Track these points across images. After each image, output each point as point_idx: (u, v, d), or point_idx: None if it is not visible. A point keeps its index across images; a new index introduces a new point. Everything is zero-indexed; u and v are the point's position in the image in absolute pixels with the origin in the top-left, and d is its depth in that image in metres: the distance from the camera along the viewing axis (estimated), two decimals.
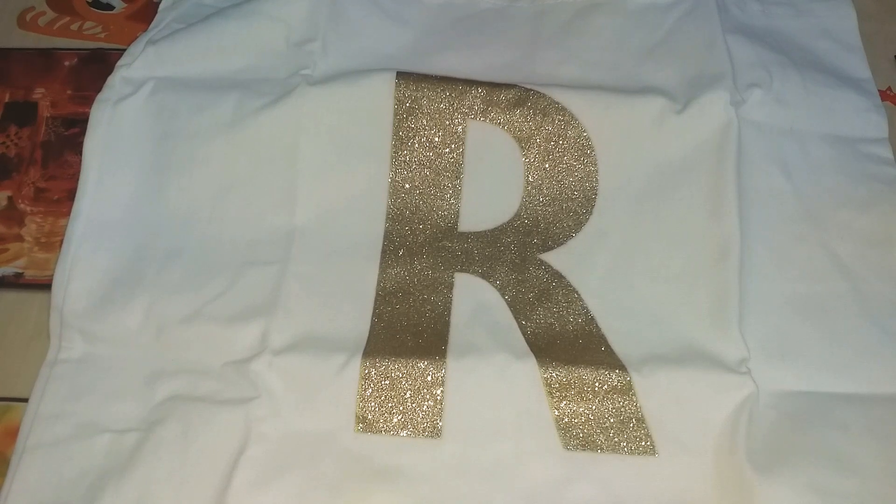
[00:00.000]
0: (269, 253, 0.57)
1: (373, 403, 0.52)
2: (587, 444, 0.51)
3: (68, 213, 0.58)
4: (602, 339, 0.54)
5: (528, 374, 0.52)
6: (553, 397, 0.52)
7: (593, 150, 0.60)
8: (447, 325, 0.55)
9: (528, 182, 0.60)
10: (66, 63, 0.68)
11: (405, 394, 0.52)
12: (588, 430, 0.51)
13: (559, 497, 0.50)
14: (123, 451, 0.51)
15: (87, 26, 0.70)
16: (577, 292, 0.56)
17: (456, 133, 0.61)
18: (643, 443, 0.51)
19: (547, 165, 0.60)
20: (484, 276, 0.57)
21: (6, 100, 0.66)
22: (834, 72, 0.64)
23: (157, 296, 0.55)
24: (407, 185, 0.60)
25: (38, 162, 0.63)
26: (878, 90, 0.64)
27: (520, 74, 0.63)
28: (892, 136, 0.62)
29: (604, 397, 0.52)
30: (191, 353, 0.54)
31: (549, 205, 0.59)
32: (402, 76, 0.61)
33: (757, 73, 0.62)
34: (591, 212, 0.59)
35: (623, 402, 0.52)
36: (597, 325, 0.55)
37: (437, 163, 0.60)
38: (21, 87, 0.67)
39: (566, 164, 0.60)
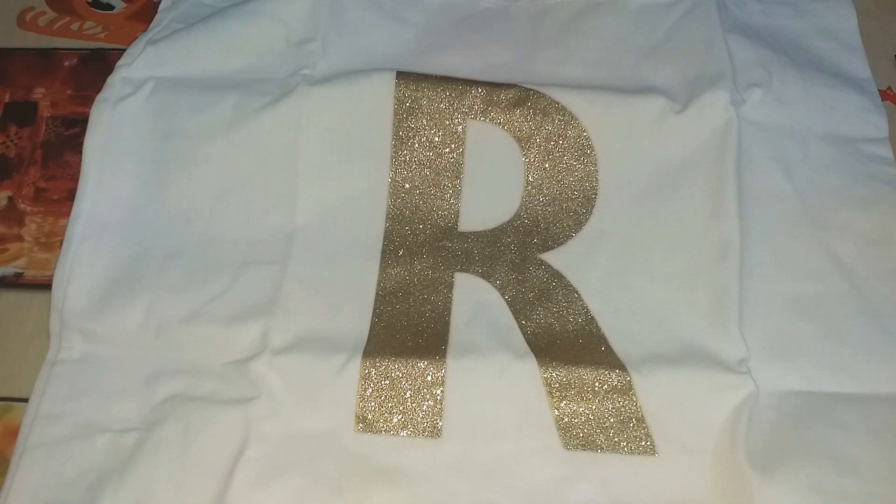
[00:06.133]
0: (269, 253, 0.57)
1: (373, 403, 0.52)
2: (587, 444, 0.51)
3: (68, 213, 0.58)
4: (602, 339, 0.54)
5: (528, 373, 0.52)
6: (553, 397, 0.52)
7: (593, 150, 0.60)
8: (447, 325, 0.55)
9: (528, 182, 0.60)
10: (66, 63, 0.68)
11: (405, 394, 0.52)
12: (588, 430, 0.51)
13: (559, 497, 0.50)
14: (123, 451, 0.51)
15: (87, 26, 0.70)
16: (577, 292, 0.56)
17: (456, 133, 0.61)
18: (643, 443, 0.51)
19: (547, 165, 0.60)
20: (484, 276, 0.57)
21: (6, 100, 0.66)
22: (834, 71, 0.64)
23: (157, 296, 0.55)
24: (407, 185, 0.60)
25: (38, 162, 0.63)
26: (878, 90, 0.64)
27: (520, 74, 0.63)
28: (892, 136, 0.62)
29: (604, 397, 0.52)
30: (191, 353, 0.54)
31: (549, 205, 0.59)
32: (402, 76, 0.61)
33: (757, 73, 0.62)
34: (591, 212, 0.59)
35: (623, 402, 0.52)
36: (597, 325, 0.55)
37: (437, 163, 0.60)
38: (21, 87, 0.67)
39: (566, 164, 0.60)
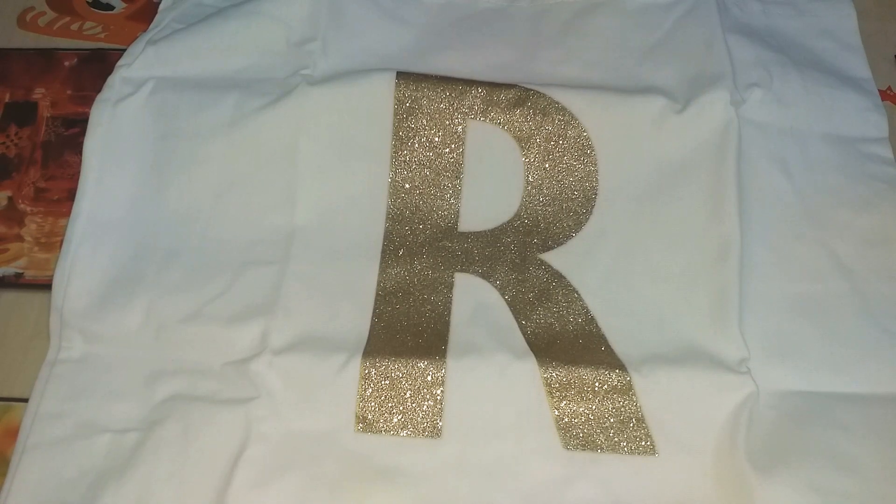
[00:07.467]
0: (269, 253, 0.57)
1: (373, 403, 0.52)
2: (587, 444, 0.51)
3: (68, 213, 0.58)
4: (602, 339, 0.54)
5: (528, 373, 0.52)
6: (553, 397, 0.52)
7: (593, 150, 0.60)
8: (447, 325, 0.55)
9: (528, 182, 0.60)
10: (66, 63, 0.68)
11: (405, 394, 0.52)
12: (588, 429, 0.51)
13: (559, 497, 0.50)
14: (123, 451, 0.51)
15: (87, 26, 0.70)
16: (577, 292, 0.56)
17: (456, 133, 0.61)
18: (643, 443, 0.51)
19: (547, 165, 0.60)
20: (484, 276, 0.57)
21: (6, 100, 0.66)
22: (834, 71, 0.64)
23: (157, 296, 0.55)
24: (407, 185, 0.60)
25: (38, 162, 0.63)
26: (878, 90, 0.64)
27: (520, 74, 0.63)
28: (892, 136, 0.62)
29: (604, 397, 0.52)
30: (191, 353, 0.54)
31: (549, 205, 0.59)
32: (402, 76, 0.61)
33: (757, 73, 0.62)
34: (591, 212, 0.59)
35: (623, 402, 0.52)
36: (597, 325, 0.55)
37: (437, 163, 0.60)
38: (21, 87, 0.67)
39: (566, 164, 0.60)
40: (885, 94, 0.65)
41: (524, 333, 0.54)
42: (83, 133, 0.60)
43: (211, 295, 0.55)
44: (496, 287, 0.56)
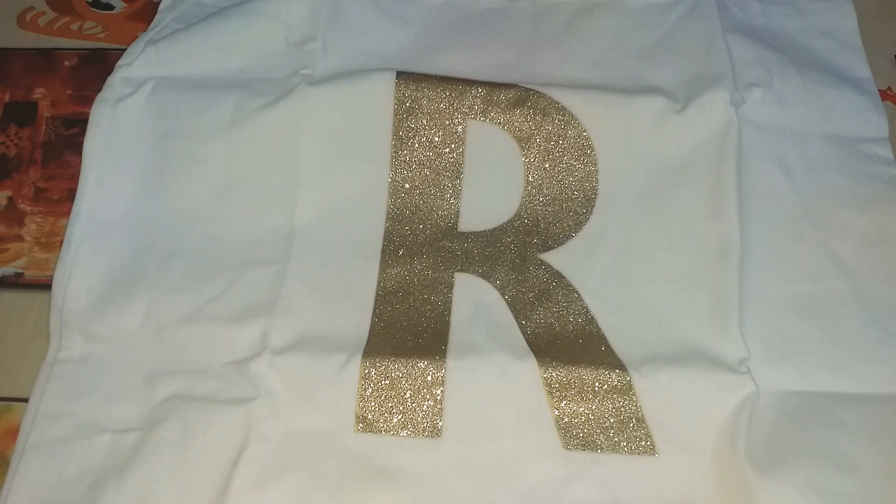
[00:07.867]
0: (269, 253, 0.57)
1: (373, 403, 0.52)
2: (587, 444, 0.51)
3: (68, 213, 0.58)
4: (602, 339, 0.54)
5: (528, 373, 0.52)
6: (553, 397, 0.52)
7: (593, 150, 0.60)
8: (447, 324, 0.55)
9: (528, 182, 0.60)
10: (66, 63, 0.68)
11: (405, 393, 0.52)
12: (588, 429, 0.51)
13: (559, 497, 0.50)
14: (123, 451, 0.51)
15: (87, 26, 0.70)
16: (577, 292, 0.56)
17: (456, 133, 0.61)
18: (643, 443, 0.51)
19: (547, 165, 0.60)
20: (484, 276, 0.57)
21: (6, 100, 0.66)
22: (834, 71, 0.64)
23: (157, 296, 0.55)
24: (407, 185, 0.60)
25: (38, 162, 0.63)
26: (878, 90, 0.64)
27: (520, 74, 0.63)
28: (892, 136, 0.62)
29: (604, 397, 0.52)
30: (191, 353, 0.54)
31: (549, 205, 0.59)
32: (402, 76, 0.61)
33: (757, 73, 0.62)
34: (591, 212, 0.59)
35: (623, 402, 0.52)
36: (597, 325, 0.55)
37: (437, 163, 0.60)
38: (21, 87, 0.67)
39: (566, 164, 0.60)
40: (885, 94, 0.65)
41: (524, 333, 0.54)
42: (83, 133, 0.60)
43: (211, 295, 0.55)
44: (496, 287, 0.56)
